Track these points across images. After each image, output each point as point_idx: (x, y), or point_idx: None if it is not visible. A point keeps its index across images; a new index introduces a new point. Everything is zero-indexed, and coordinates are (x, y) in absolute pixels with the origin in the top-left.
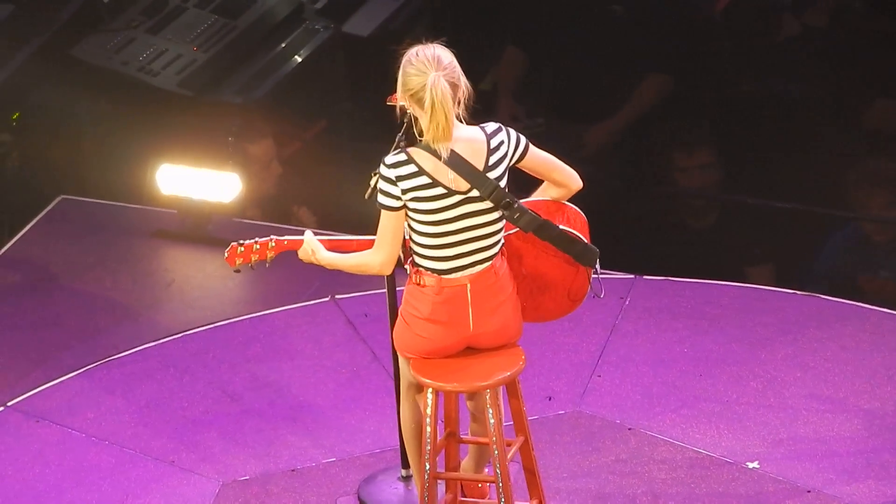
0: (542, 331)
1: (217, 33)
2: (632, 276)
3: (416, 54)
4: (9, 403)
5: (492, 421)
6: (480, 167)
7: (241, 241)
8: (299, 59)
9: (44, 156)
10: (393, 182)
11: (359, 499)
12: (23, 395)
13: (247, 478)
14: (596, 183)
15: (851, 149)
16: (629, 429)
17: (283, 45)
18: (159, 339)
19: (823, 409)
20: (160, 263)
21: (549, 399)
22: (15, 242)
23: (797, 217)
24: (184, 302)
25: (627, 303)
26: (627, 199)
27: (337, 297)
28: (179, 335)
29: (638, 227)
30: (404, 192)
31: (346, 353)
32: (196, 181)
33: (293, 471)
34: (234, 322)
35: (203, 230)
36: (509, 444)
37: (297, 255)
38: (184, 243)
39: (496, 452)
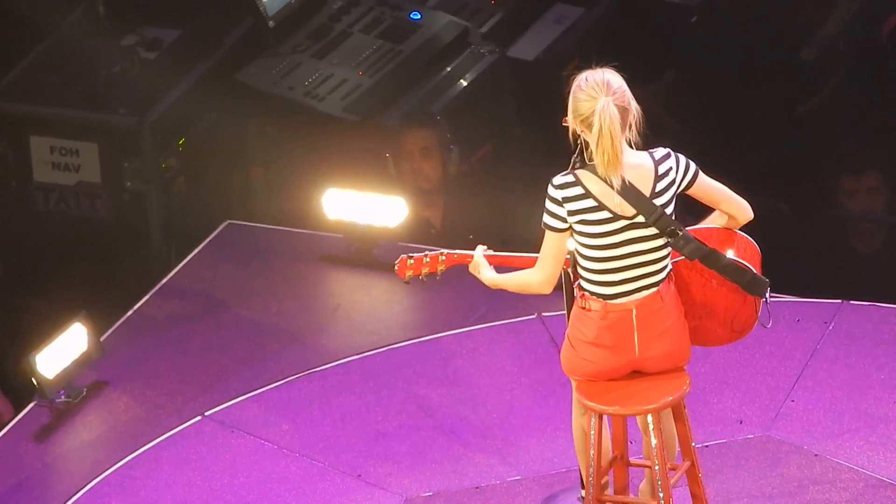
0: (739, 353)
1: (382, 58)
2: (839, 300)
3: (586, 79)
4: (206, 413)
5: (653, 443)
6: (647, 193)
7: (411, 255)
8: (465, 84)
9: (210, 181)
10: (559, 203)
11: None
12: (221, 405)
13: (430, 494)
14: (763, 208)
15: None
16: (815, 455)
17: (449, 69)
18: (327, 364)
19: None
20: (326, 288)
21: (740, 423)
22: (182, 267)
23: None
24: (350, 326)
25: (831, 328)
26: (797, 224)
27: (543, 314)
28: (384, 349)
29: (829, 251)
30: (570, 213)
31: (545, 371)
32: (362, 205)
33: (477, 488)
34: (440, 337)
35: (369, 255)
36: (675, 469)
37: (467, 270)
38: (350, 268)
39: (658, 477)
